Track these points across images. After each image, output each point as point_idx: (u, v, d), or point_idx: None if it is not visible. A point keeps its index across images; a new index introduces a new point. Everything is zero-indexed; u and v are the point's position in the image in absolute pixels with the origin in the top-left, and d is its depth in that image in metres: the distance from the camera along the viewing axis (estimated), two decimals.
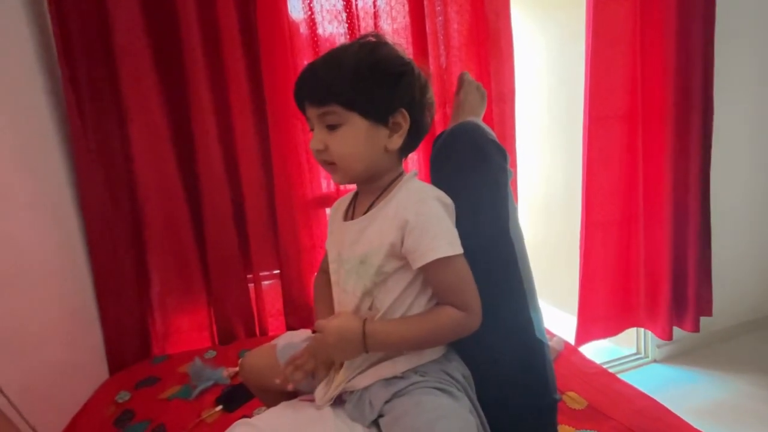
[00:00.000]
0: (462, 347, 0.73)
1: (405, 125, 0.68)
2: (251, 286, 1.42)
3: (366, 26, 1.40)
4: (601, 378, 1.08)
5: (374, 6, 1.39)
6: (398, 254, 0.66)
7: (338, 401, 0.72)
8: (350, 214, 0.75)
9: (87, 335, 1.24)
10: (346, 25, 1.38)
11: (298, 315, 1.44)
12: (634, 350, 1.90)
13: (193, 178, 1.32)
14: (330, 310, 0.76)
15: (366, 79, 0.65)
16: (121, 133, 1.27)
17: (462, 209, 0.70)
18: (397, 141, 0.68)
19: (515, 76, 1.49)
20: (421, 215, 0.65)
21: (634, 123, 1.61)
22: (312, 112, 0.67)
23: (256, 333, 1.44)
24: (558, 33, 2.03)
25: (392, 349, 0.67)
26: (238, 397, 1.05)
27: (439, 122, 1.42)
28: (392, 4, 1.40)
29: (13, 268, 0.96)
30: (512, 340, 0.72)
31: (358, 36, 1.36)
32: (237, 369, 1.17)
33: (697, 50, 1.58)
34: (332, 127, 0.66)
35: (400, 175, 0.72)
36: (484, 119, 0.89)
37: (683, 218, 1.68)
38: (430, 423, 0.59)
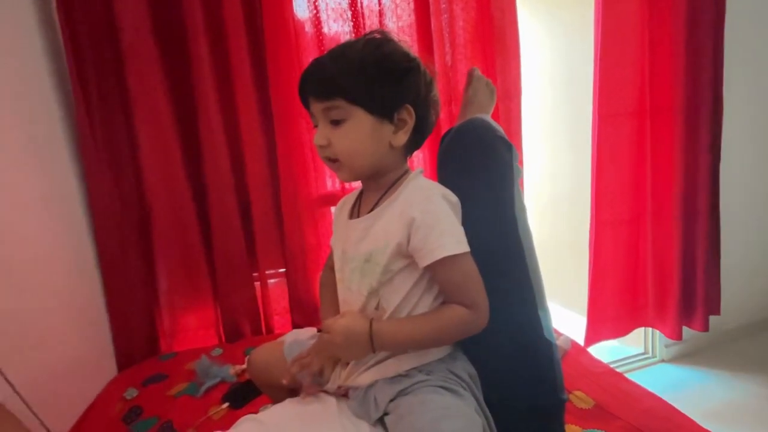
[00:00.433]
0: (469, 346, 0.72)
1: (410, 122, 0.68)
2: (257, 284, 1.43)
3: (371, 24, 1.40)
4: (608, 377, 1.07)
5: (379, 4, 1.39)
6: (404, 252, 0.66)
7: (344, 397, 0.72)
8: (356, 211, 0.75)
9: (95, 333, 1.25)
10: (352, 23, 1.38)
11: (304, 313, 1.45)
12: (641, 350, 1.89)
13: (199, 176, 1.33)
14: (336, 308, 0.76)
15: (371, 74, 0.65)
16: (129, 133, 1.28)
17: (469, 207, 0.69)
18: (402, 137, 0.68)
19: (521, 73, 1.48)
20: (427, 213, 0.64)
21: (643, 120, 1.59)
22: (316, 106, 0.67)
23: (262, 331, 1.44)
24: (564, 30, 2.01)
25: (399, 349, 0.67)
26: (245, 395, 1.05)
27: (444, 120, 1.42)
28: (397, 2, 1.40)
29: (23, 266, 0.98)
30: (520, 340, 0.72)
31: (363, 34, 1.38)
32: (243, 366, 1.18)
33: (707, 46, 1.56)
34: (336, 123, 0.66)
35: (406, 172, 0.72)
36: (491, 117, 0.88)
37: (692, 216, 1.66)
38: (435, 422, 0.59)
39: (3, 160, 0.97)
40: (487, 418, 0.67)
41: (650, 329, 1.83)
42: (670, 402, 0.96)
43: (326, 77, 0.66)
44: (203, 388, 1.09)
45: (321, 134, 0.67)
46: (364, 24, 1.38)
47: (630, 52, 1.54)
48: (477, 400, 0.68)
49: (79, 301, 1.19)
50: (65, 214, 1.18)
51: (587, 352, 1.21)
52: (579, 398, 0.98)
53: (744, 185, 1.82)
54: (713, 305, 1.73)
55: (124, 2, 1.20)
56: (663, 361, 1.84)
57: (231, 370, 1.15)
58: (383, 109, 0.66)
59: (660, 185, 1.63)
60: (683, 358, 1.84)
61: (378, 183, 0.71)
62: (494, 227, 0.72)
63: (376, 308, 0.68)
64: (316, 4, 1.35)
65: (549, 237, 2.12)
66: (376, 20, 1.40)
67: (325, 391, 0.74)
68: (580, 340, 1.65)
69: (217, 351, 1.31)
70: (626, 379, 1.07)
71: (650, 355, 1.87)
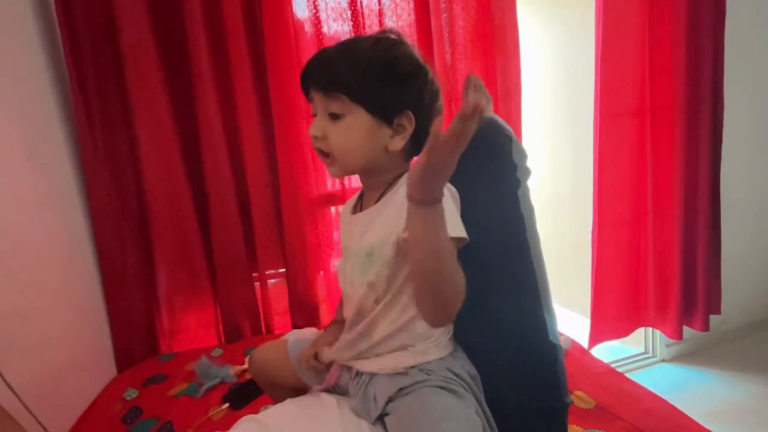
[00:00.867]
0: (472, 346, 0.72)
1: (409, 128, 0.67)
2: (257, 284, 1.43)
3: (371, 24, 1.39)
4: (609, 377, 1.07)
5: (379, 3, 1.39)
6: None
7: (343, 394, 0.72)
8: (358, 207, 0.75)
9: (95, 333, 1.25)
10: (351, 23, 1.38)
11: (304, 313, 1.44)
12: (642, 349, 1.89)
13: (199, 176, 1.32)
14: None
15: (377, 74, 0.64)
16: (128, 132, 1.27)
17: (474, 205, 0.68)
18: (398, 143, 0.67)
19: (521, 73, 1.48)
20: None
21: (643, 120, 1.59)
22: (317, 96, 0.66)
23: (262, 331, 1.44)
24: (564, 29, 2.01)
25: (431, 235, 0.55)
26: (245, 395, 1.05)
27: (445, 119, 1.41)
28: (397, 2, 1.40)
29: (22, 267, 0.97)
30: (524, 341, 0.71)
31: (363, 33, 1.38)
32: (243, 367, 1.17)
33: (707, 46, 1.56)
34: (335, 117, 0.65)
35: (407, 170, 0.72)
36: None
37: (693, 216, 1.66)
38: (435, 423, 0.59)
39: (1, 160, 0.97)
40: (487, 419, 0.67)
41: (651, 329, 1.83)
42: (671, 402, 0.96)
43: (331, 70, 0.65)
44: (203, 389, 1.09)
45: (318, 126, 0.66)
46: (363, 23, 1.38)
47: (631, 51, 1.54)
48: (477, 400, 0.67)
49: (78, 302, 1.19)
50: (64, 215, 1.18)
51: (588, 352, 1.21)
52: (580, 398, 0.98)
53: (745, 185, 1.82)
54: (714, 305, 1.73)
55: (123, 1, 1.20)
56: (663, 360, 1.84)
57: (231, 371, 1.15)
58: (384, 112, 0.65)
59: (661, 185, 1.63)
60: (684, 357, 1.84)
61: (376, 181, 0.71)
62: (500, 227, 0.71)
63: (375, 301, 0.68)
64: (316, 3, 1.34)
65: (549, 236, 2.11)
66: (375, 20, 1.40)
67: (328, 391, 0.74)
68: (580, 339, 1.65)
69: (217, 351, 1.31)
70: (627, 379, 1.07)
71: (651, 354, 1.87)
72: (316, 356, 0.75)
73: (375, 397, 0.66)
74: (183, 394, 1.10)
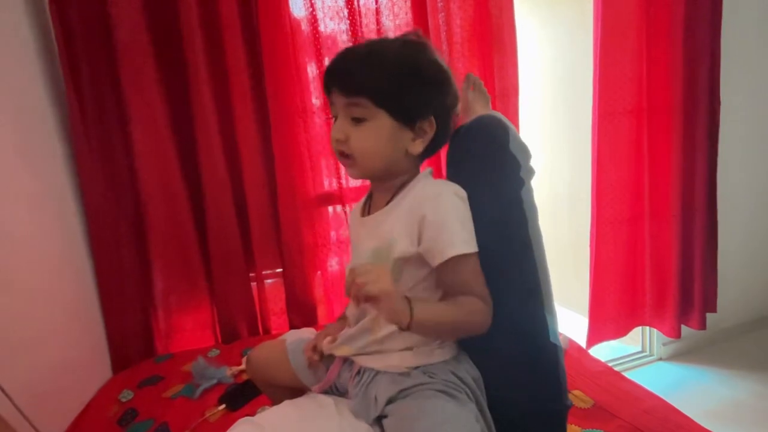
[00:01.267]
0: (474, 348, 0.72)
1: (430, 132, 0.68)
2: (254, 284, 1.42)
3: (368, 23, 1.39)
4: (607, 376, 1.07)
5: (376, 2, 1.38)
6: (413, 249, 0.65)
7: (342, 394, 0.72)
8: (366, 210, 0.75)
9: (90, 334, 1.23)
10: (348, 22, 1.37)
11: (301, 313, 1.44)
12: (639, 348, 1.89)
13: (195, 176, 1.32)
14: None
15: (405, 79, 0.64)
16: (123, 132, 1.26)
17: (477, 205, 0.68)
18: (419, 146, 0.68)
19: (519, 72, 1.48)
20: (438, 211, 0.64)
21: (641, 119, 1.59)
22: (339, 99, 0.66)
23: (259, 331, 1.44)
24: (562, 28, 2.01)
25: (428, 327, 0.64)
26: (242, 396, 1.04)
27: None
28: (394, 0, 1.39)
29: (16, 267, 0.96)
30: (526, 343, 0.70)
31: (360, 32, 1.37)
32: (240, 368, 1.17)
33: (704, 45, 1.57)
34: (357, 120, 0.65)
35: (417, 174, 0.72)
36: None
37: (690, 214, 1.66)
38: (431, 428, 0.58)
39: None
40: (488, 425, 0.66)
41: (648, 327, 1.84)
42: (668, 400, 0.96)
43: (358, 75, 0.64)
44: (199, 390, 1.08)
45: (340, 129, 0.66)
46: (360, 22, 1.38)
47: (629, 50, 1.54)
48: (479, 405, 0.67)
49: (73, 303, 1.18)
50: (58, 215, 1.17)
51: (585, 351, 1.21)
52: (578, 398, 0.98)
53: (741, 183, 1.83)
54: (710, 303, 1.74)
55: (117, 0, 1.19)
56: (661, 359, 1.85)
57: (228, 372, 1.15)
58: (408, 116, 0.66)
59: (658, 184, 1.63)
60: (681, 356, 1.84)
61: (387, 184, 0.71)
62: (503, 227, 0.70)
63: None
64: (312, 2, 1.34)
65: (546, 235, 2.11)
66: (372, 19, 1.39)
67: (326, 392, 0.74)
68: (578, 339, 1.65)
69: (214, 352, 1.30)
70: (625, 378, 1.07)
71: (648, 353, 1.88)
72: (315, 348, 0.75)
73: (376, 398, 0.65)
74: (179, 396, 1.09)
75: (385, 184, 0.71)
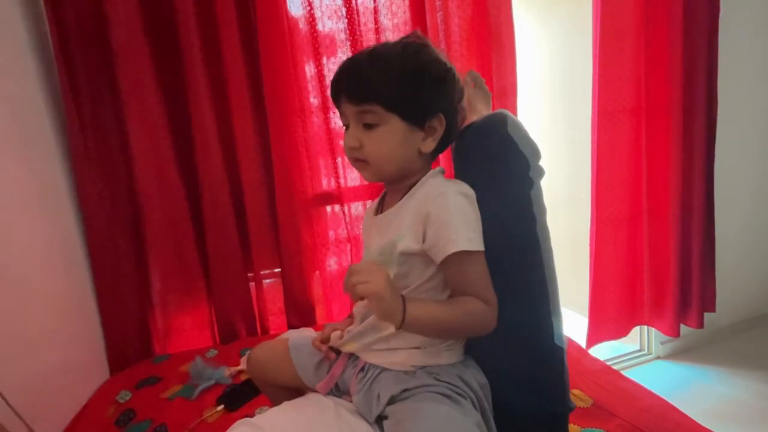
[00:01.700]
0: (478, 349, 0.72)
1: (440, 130, 0.69)
2: (252, 284, 1.42)
3: (366, 22, 1.38)
4: (606, 375, 1.07)
5: (374, 1, 1.38)
6: (419, 246, 0.66)
7: (342, 396, 0.72)
8: (380, 209, 0.76)
9: (87, 335, 1.23)
10: (346, 20, 1.37)
11: (299, 313, 1.43)
12: (637, 347, 1.89)
13: (192, 176, 1.31)
14: None
15: (411, 82, 0.65)
16: (120, 132, 1.26)
17: (486, 204, 0.68)
18: (430, 144, 0.69)
19: (517, 71, 1.47)
20: (442, 209, 0.64)
21: (639, 118, 1.59)
22: (349, 108, 0.67)
23: (257, 332, 1.43)
24: (559, 27, 2.01)
25: (421, 324, 0.64)
26: (240, 397, 1.04)
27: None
28: None
29: (12, 267, 0.96)
30: (531, 344, 0.70)
31: (358, 31, 1.37)
32: (239, 368, 1.16)
33: (702, 44, 1.57)
34: (369, 126, 0.66)
35: (428, 172, 0.72)
36: None
37: (688, 214, 1.67)
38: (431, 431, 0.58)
39: None
40: (490, 430, 0.66)
41: (646, 326, 1.84)
42: (667, 399, 0.96)
43: (364, 81, 0.65)
44: (198, 391, 1.08)
45: (353, 136, 0.67)
46: (358, 21, 1.37)
47: (628, 50, 1.54)
48: (483, 411, 0.66)
49: (69, 303, 1.17)
50: (55, 215, 1.16)
51: (584, 351, 1.21)
52: (577, 397, 0.98)
53: (738, 183, 1.83)
54: (708, 302, 1.74)
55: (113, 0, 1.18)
56: (659, 358, 1.85)
57: (226, 372, 1.14)
58: (418, 117, 0.67)
59: (656, 183, 1.63)
60: (679, 354, 1.85)
61: (401, 184, 0.72)
62: (511, 227, 0.70)
63: None
64: (310, 1, 1.33)
65: None
66: (371, 17, 1.39)
67: (331, 390, 0.74)
68: (577, 338, 1.65)
69: (212, 352, 1.30)
70: (624, 377, 1.07)
71: (646, 352, 1.88)
72: (323, 340, 0.76)
73: (378, 395, 0.65)
74: (177, 396, 1.08)
75: (400, 185, 0.72)
